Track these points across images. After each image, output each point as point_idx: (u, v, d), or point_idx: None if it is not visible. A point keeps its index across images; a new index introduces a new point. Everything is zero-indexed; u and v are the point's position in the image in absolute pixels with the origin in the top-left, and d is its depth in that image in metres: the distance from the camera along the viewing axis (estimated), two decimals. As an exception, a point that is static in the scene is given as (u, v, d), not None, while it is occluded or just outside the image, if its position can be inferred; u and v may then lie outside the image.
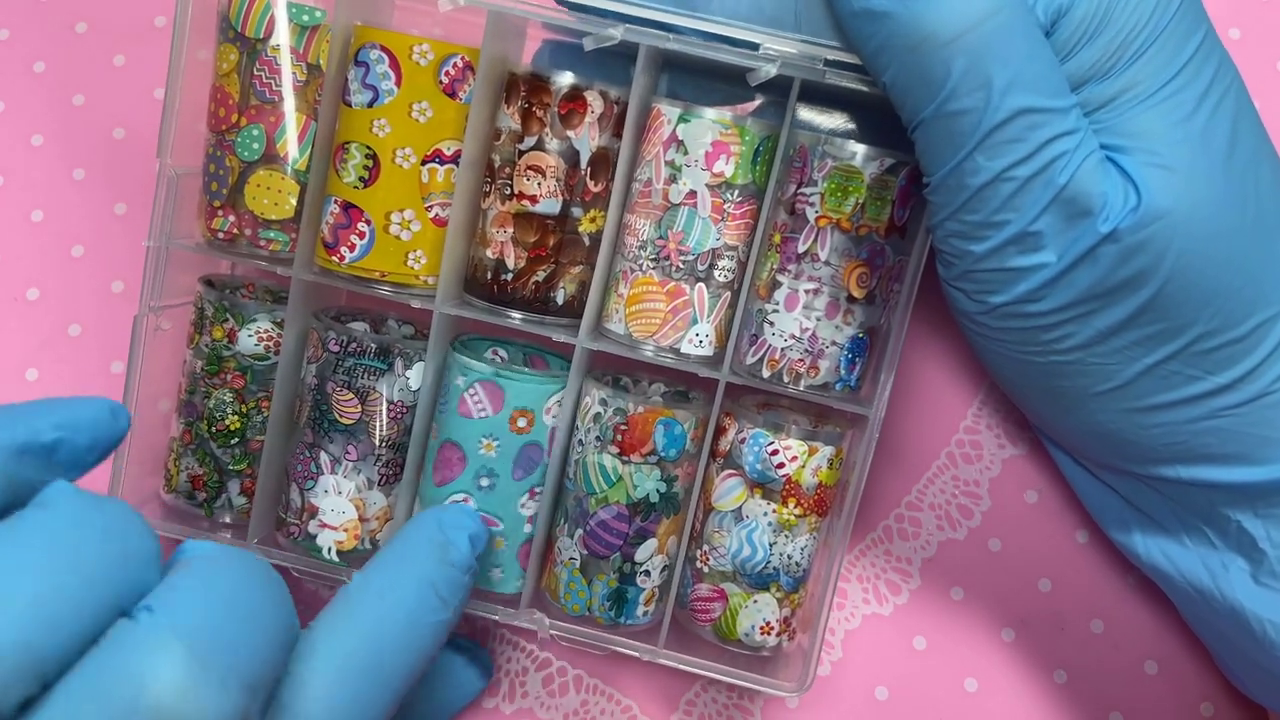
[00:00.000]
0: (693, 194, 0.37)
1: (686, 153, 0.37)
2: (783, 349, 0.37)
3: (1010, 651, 0.45)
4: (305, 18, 0.38)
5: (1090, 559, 0.44)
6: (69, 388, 0.47)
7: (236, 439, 0.41)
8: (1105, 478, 0.40)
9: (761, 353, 0.38)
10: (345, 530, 0.40)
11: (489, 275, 0.39)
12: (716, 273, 0.38)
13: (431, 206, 0.38)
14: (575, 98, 0.37)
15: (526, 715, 0.45)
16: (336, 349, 0.39)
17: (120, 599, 0.25)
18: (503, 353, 0.43)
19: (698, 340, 0.38)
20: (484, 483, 0.39)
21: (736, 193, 0.37)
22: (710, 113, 0.37)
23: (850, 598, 0.45)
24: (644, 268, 0.38)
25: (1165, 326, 0.33)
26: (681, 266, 0.38)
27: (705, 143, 0.37)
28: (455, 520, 0.36)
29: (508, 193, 0.38)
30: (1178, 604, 0.40)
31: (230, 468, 0.42)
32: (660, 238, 0.38)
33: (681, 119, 0.37)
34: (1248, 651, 0.37)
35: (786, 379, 0.38)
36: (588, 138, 0.37)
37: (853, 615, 0.45)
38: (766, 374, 0.38)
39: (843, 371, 0.38)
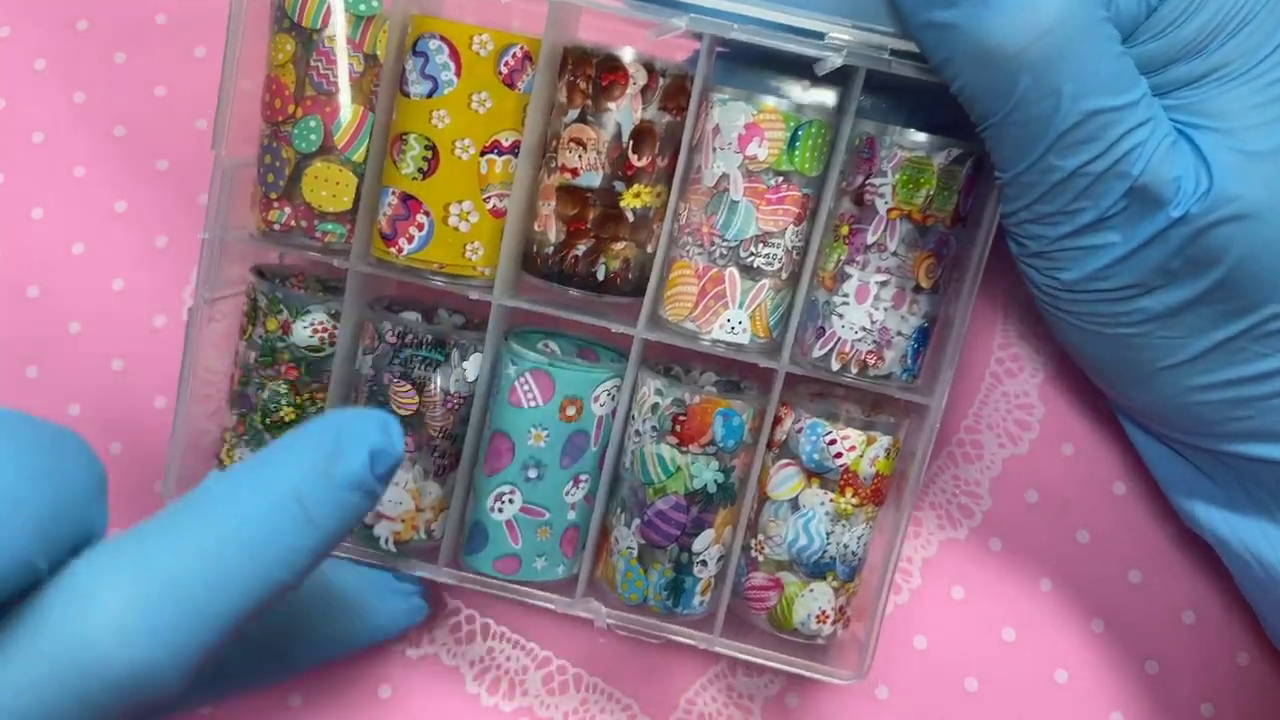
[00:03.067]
0: (725, 177, 0.37)
1: (723, 135, 0.37)
2: (853, 341, 0.37)
3: (1011, 651, 0.45)
4: (362, 7, 0.38)
5: (1091, 559, 0.44)
6: (69, 386, 0.46)
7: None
8: (1174, 445, 0.40)
9: (830, 345, 0.38)
10: (402, 521, 0.40)
11: (535, 249, 0.39)
12: (756, 260, 0.37)
13: (489, 198, 0.38)
14: (616, 69, 0.37)
15: (525, 714, 0.45)
16: (394, 340, 0.39)
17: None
18: (554, 345, 0.42)
19: (729, 326, 0.38)
20: (531, 474, 0.39)
21: (777, 178, 0.37)
22: (748, 95, 0.37)
23: (850, 598, 0.45)
24: (689, 253, 0.38)
25: (1236, 305, 0.33)
26: (725, 253, 0.37)
27: (738, 125, 0.37)
28: (357, 428, 0.28)
29: (553, 165, 0.38)
30: (1233, 571, 0.40)
31: (284, 459, 0.41)
32: (700, 223, 0.38)
33: (719, 102, 0.37)
34: None
35: (855, 370, 0.38)
36: (629, 110, 0.37)
37: (854, 615, 0.45)
38: (836, 366, 0.38)
39: (908, 361, 0.38)
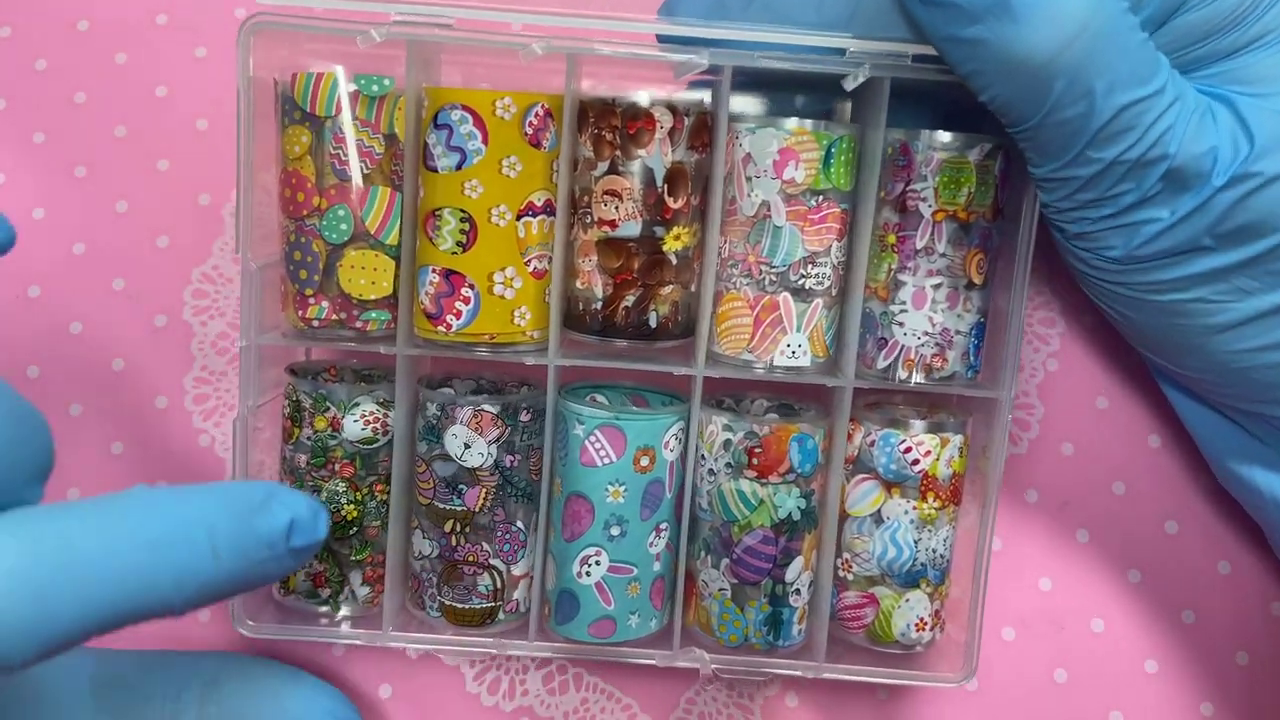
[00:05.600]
0: (765, 204, 0.37)
1: (756, 164, 0.37)
2: (917, 347, 0.37)
3: (1011, 650, 0.45)
4: (375, 88, 0.37)
5: (1090, 558, 0.45)
6: (69, 385, 0.46)
7: (355, 529, 0.40)
8: (1226, 412, 0.40)
9: (895, 354, 0.38)
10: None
11: (580, 307, 0.38)
12: (807, 281, 0.37)
13: (530, 260, 0.38)
14: (641, 115, 0.37)
15: (526, 713, 0.45)
16: (528, 419, 0.39)
17: None
18: (601, 398, 0.42)
19: (790, 352, 0.38)
20: (614, 531, 0.39)
21: (816, 198, 0.37)
22: (776, 121, 0.37)
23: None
24: (737, 285, 0.38)
25: None
26: (774, 279, 0.37)
27: (771, 152, 0.37)
28: (290, 499, 0.30)
29: (589, 221, 0.38)
30: None
31: (351, 559, 0.40)
32: (745, 254, 0.37)
33: (748, 131, 0.37)
34: None
35: (922, 375, 0.38)
36: (660, 154, 0.37)
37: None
38: (903, 374, 0.38)
39: (971, 358, 0.38)
